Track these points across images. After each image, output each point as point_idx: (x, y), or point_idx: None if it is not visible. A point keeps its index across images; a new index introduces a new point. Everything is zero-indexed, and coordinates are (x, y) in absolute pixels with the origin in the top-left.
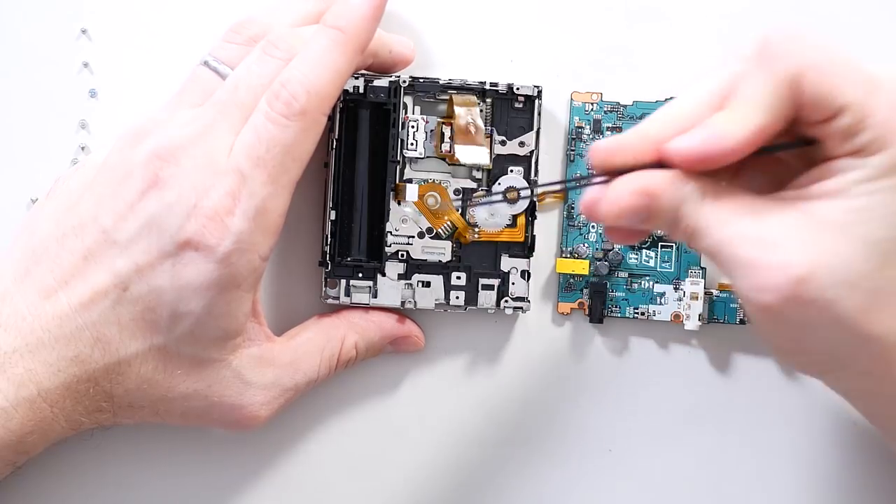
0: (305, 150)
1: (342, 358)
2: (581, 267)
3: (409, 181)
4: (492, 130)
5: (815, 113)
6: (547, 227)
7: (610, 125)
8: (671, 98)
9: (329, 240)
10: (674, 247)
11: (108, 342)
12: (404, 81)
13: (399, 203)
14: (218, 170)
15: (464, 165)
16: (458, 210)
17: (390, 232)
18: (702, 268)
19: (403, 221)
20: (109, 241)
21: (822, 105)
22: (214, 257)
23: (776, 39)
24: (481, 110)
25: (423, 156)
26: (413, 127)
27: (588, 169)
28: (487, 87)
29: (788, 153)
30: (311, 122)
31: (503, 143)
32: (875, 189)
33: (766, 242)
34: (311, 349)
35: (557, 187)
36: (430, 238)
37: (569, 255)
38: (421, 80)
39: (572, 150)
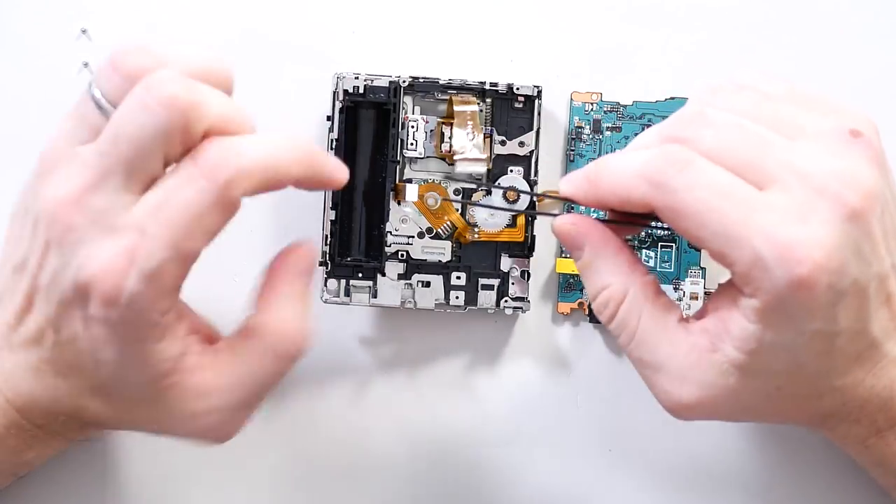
0: (215, 223)
1: (290, 349)
2: None
3: (409, 181)
4: (492, 130)
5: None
6: (547, 227)
7: (610, 125)
8: (671, 98)
9: (329, 240)
10: (674, 247)
11: (65, 377)
12: (404, 81)
13: (399, 203)
14: (113, 227)
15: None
16: (457, 210)
17: (390, 232)
18: (701, 268)
19: (403, 221)
20: (37, 288)
21: (691, 241)
22: (111, 319)
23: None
24: (481, 110)
25: (423, 156)
26: (413, 127)
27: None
28: (487, 87)
29: None
30: (229, 198)
31: (503, 143)
32: (755, 334)
33: (666, 375)
34: (247, 366)
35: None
36: (430, 238)
37: (569, 255)
38: (421, 80)
39: (572, 150)
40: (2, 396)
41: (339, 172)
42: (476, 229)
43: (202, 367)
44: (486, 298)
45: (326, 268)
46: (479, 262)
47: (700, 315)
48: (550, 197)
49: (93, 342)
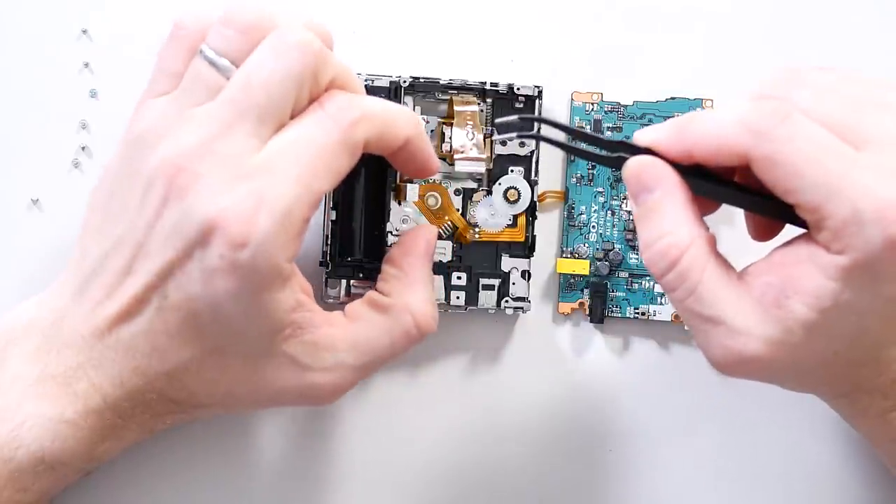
0: (341, 165)
1: (422, 325)
2: (581, 267)
3: (410, 181)
4: (492, 130)
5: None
6: (547, 227)
7: (610, 125)
8: (672, 98)
9: (329, 240)
10: None
11: (163, 350)
12: (405, 82)
13: (399, 203)
14: (240, 172)
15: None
16: (458, 210)
17: (391, 232)
18: None
19: (404, 221)
20: (143, 254)
21: (782, 195)
22: (239, 261)
23: (755, 118)
24: (482, 110)
25: None
26: None
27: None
28: (488, 87)
29: None
30: (353, 141)
31: (503, 143)
32: (837, 291)
33: (730, 330)
34: (376, 332)
35: (562, 136)
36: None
37: (569, 255)
38: (421, 80)
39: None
40: (86, 379)
41: (435, 160)
42: (477, 229)
43: (328, 323)
44: (487, 298)
45: (327, 268)
46: (480, 262)
47: (756, 271)
48: (551, 196)
49: (213, 297)
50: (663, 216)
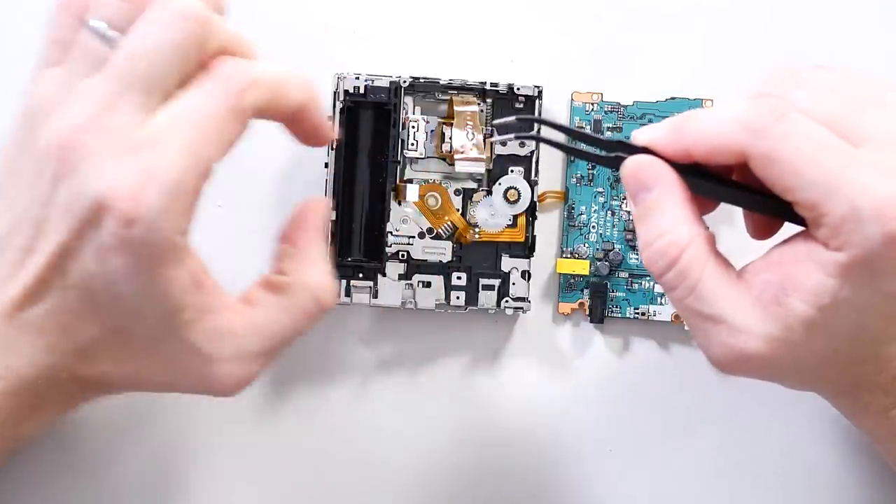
0: (231, 133)
1: (322, 300)
2: (581, 267)
3: (410, 181)
4: (492, 130)
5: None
6: (547, 227)
7: (610, 125)
8: (672, 98)
9: (329, 240)
10: None
11: (69, 329)
12: (405, 82)
13: (399, 203)
14: (127, 146)
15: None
16: (458, 211)
17: (391, 232)
18: None
19: (404, 221)
20: (42, 232)
21: (780, 193)
22: (130, 237)
23: (752, 115)
24: (482, 110)
25: (423, 156)
26: (413, 127)
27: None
28: (488, 87)
29: None
30: (242, 107)
31: (503, 143)
32: (832, 289)
33: (731, 327)
34: (275, 314)
35: (560, 137)
36: (431, 238)
37: (569, 256)
38: (421, 80)
39: None
40: (2, 362)
41: (330, 128)
42: (477, 229)
43: (225, 308)
44: (487, 299)
45: None
46: (480, 262)
47: (755, 270)
48: (551, 196)
49: (109, 275)
50: (662, 215)
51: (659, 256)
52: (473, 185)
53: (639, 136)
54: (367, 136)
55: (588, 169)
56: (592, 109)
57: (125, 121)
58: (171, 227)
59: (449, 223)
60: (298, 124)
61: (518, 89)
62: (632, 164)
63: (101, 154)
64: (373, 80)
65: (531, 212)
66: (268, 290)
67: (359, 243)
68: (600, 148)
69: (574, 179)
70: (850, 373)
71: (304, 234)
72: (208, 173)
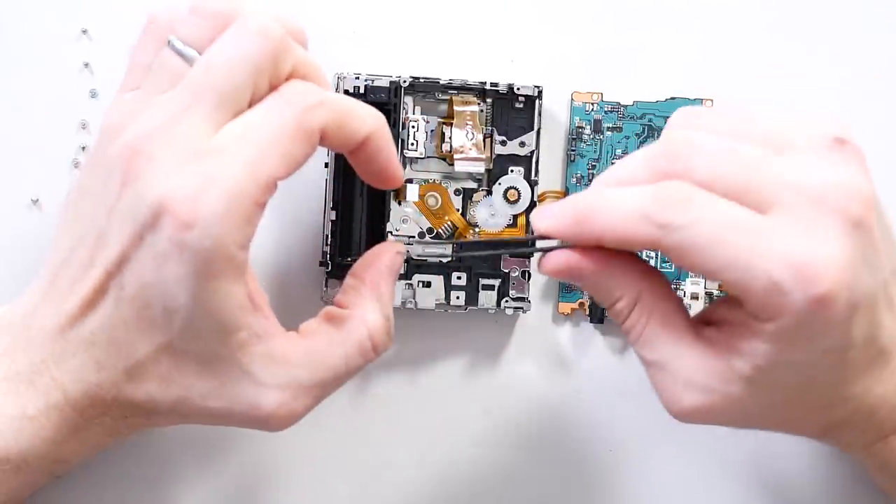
0: (296, 151)
1: (376, 339)
2: None
3: (410, 181)
4: (492, 130)
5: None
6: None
7: (611, 125)
8: (672, 98)
9: (329, 240)
10: None
11: (121, 344)
12: (405, 81)
13: (399, 203)
14: (193, 153)
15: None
16: (458, 210)
17: (391, 232)
18: None
19: (404, 221)
20: (103, 243)
21: (703, 275)
22: (186, 242)
23: (661, 201)
24: (482, 110)
25: (423, 156)
26: (414, 127)
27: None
28: (488, 87)
29: None
30: (309, 126)
31: (503, 143)
32: (768, 354)
33: (680, 382)
34: (329, 345)
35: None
36: (431, 238)
37: None
38: (421, 80)
39: (573, 150)
40: (48, 375)
41: (400, 168)
42: (477, 229)
43: (280, 334)
44: (487, 298)
45: (327, 268)
46: (480, 262)
47: (706, 319)
48: (551, 196)
49: (164, 286)
50: (604, 290)
51: (616, 318)
52: (473, 185)
53: (537, 222)
54: None
55: (588, 169)
56: (592, 109)
57: (193, 130)
58: (228, 237)
59: (449, 223)
60: (367, 159)
61: (518, 89)
62: (550, 266)
63: (165, 160)
64: (373, 80)
65: (531, 212)
66: (326, 322)
67: (359, 243)
68: (517, 246)
69: (574, 179)
70: (818, 416)
71: (373, 271)
72: (271, 188)
